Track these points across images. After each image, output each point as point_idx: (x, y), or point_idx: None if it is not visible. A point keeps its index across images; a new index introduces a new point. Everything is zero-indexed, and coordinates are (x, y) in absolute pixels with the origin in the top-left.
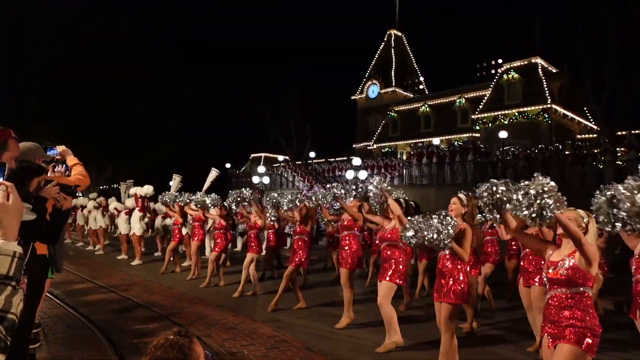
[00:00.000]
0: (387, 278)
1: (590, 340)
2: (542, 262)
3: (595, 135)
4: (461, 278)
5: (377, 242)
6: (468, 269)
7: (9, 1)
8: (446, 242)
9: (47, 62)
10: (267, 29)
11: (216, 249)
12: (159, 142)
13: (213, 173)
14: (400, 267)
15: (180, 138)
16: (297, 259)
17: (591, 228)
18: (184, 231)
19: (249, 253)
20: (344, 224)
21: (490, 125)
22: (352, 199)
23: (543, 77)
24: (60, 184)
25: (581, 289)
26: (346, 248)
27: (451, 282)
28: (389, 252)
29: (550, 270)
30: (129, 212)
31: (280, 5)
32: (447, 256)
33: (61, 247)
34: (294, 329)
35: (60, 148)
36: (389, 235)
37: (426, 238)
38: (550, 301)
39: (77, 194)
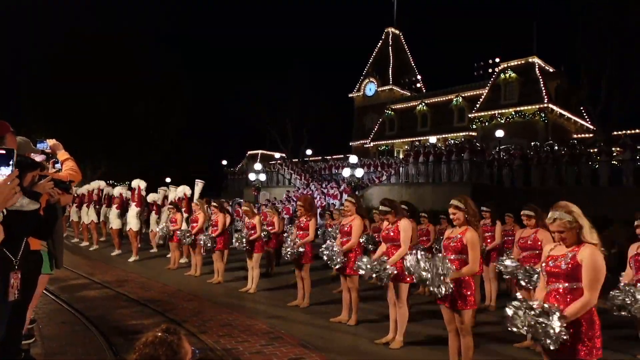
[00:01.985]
0: (400, 279)
1: (584, 346)
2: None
3: (591, 135)
4: (468, 284)
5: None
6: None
7: (9, 1)
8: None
9: (47, 62)
10: (264, 29)
11: (219, 247)
12: (158, 141)
13: (199, 185)
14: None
15: (180, 138)
16: (306, 256)
17: (584, 223)
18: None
19: (254, 253)
20: (345, 230)
21: (486, 124)
22: (345, 200)
23: (540, 77)
24: (55, 179)
25: (578, 284)
26: (350, 254)
27: (458, 288)
28: (394, 252)
29: (550, 263)
30: (120, 207)
31: (279, 4)
32: (455, 261)
33: (61, 243)
34: (290, 325)
35: (50, 142)
36: (392, 234)
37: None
38: (548, 296)
39: (71, 190)
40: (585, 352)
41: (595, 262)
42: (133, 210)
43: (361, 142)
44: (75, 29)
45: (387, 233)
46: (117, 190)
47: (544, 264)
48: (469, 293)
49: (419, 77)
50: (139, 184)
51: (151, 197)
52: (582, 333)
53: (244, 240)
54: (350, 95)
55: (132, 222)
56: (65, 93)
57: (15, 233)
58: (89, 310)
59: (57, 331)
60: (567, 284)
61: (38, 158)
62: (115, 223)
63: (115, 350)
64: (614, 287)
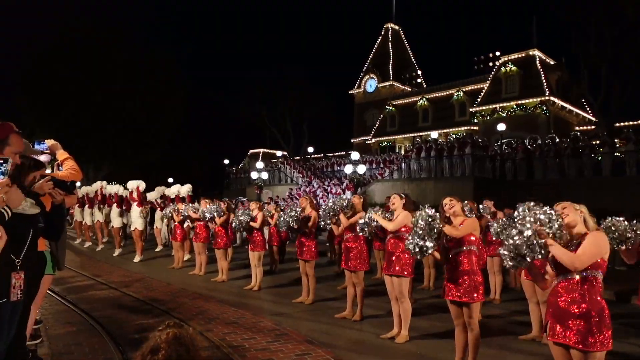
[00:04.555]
0: (397, 273)
1: (594, 338)
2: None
3: (593, 127)
4: (477, 274)
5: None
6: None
7: (8, 1)
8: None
9: (43, 59)
10: (264, 26)
11: (220, 245)
12: (155, 140)
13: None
14: (407, 257)
15: (180, 136)
16: (311, 253)
17: (587, 216)
18: (185, 225)
19: (256, 251)
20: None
21: (488, 118)
22: (352, 196)
23: (541, 69)
24: (55, 179)
25: (587, 273)
26: (354, 250)
27: (468, 280)
28: (395, 245)
29: None
30: (119, 205)
31: (279, 2)
32: (461, 253)
33: (64, 245)
34: (295, 322)
35: (49, 142)
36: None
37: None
38: (557, 288)
39: (73, 190)
40: (595, 343)
41: (596, 238)
42: (135, 210)
43: (362, 138)
44: (71, 26)
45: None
46: (115, 188)
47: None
48: (480, 285)
49: (419, 72)
50: (138, 184)
51: (149, 196)
52: (593, 324)
53: (243, 222)
54: (350, 92)
55: (137, 222)
56: (61, 91)
57: (17, 235)
58: (95, 310)
59: (63, 331)
60: (576, 275)
61: (43, 158)
62: (116, 222)
63: (122, 349)
64: (619, 279)
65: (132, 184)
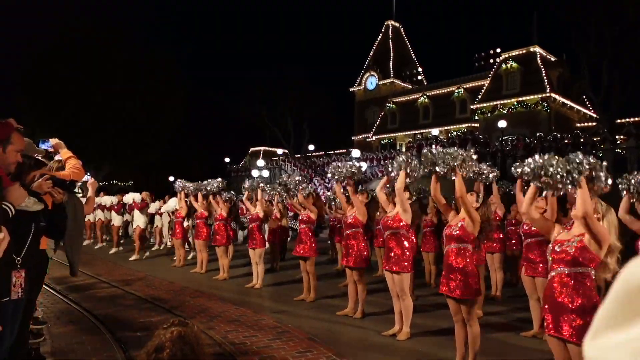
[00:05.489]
0: (397, 269)
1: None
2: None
3: (594, 124)
4: (474, 273)
5: (379, 230)
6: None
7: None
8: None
9: (43, 59)
10: (264, 26)
11: (222, 242)
12: (155, 140)
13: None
14: (407, 253)
15: (180, 136)
16: (310, 249)
17: (611, 219)
18: (185, 224)
19: (257, 248)
20: (348, 222)
21: (489, 115)
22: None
23: (542, 66)
24: (55, 178)
25: (582, 269)
26: (355, 247)
27: (461, 277)
28: (394, 241)
29: (556, 248)
30: (119, 210)
31: (279, 1)
32: (455, 250)
33: (78, 249)
34: (296, 320)
35: (53, 141)
36: (392, 223)
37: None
38: (552, 282)
39: (75, 189)
40: None
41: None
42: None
43: (363, 136)
44: (71, 25)
45: (387, 221)
46: (111, 199)
47: (549, 250)
48: (474, 282)
49: (419, 69)
50: (133, 198)
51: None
52: (588, 319)
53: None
54: (351, 89)
55: (140, 220)
56: (61, 90)
57: (19, 233)
58: (97, 308)
59: (65, 330)
60: (570, 270)
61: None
62: (116, 220)
63: (124, 347)
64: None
65: (127, 199)
